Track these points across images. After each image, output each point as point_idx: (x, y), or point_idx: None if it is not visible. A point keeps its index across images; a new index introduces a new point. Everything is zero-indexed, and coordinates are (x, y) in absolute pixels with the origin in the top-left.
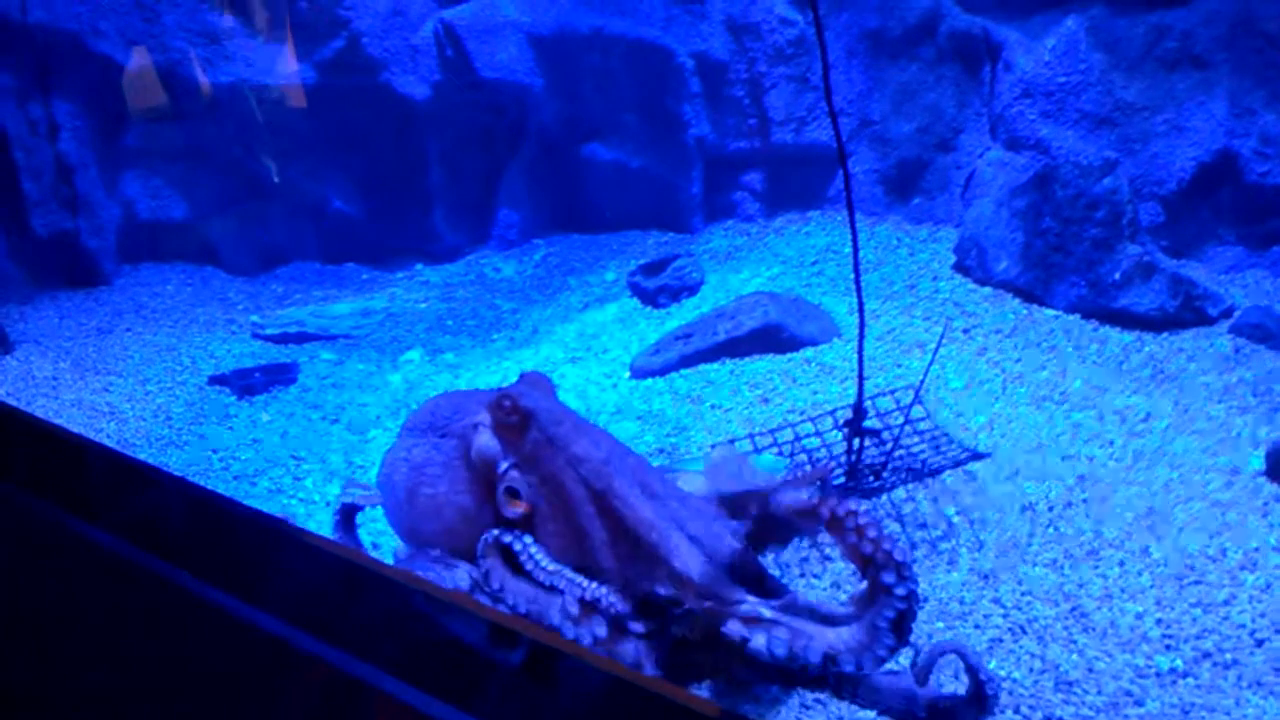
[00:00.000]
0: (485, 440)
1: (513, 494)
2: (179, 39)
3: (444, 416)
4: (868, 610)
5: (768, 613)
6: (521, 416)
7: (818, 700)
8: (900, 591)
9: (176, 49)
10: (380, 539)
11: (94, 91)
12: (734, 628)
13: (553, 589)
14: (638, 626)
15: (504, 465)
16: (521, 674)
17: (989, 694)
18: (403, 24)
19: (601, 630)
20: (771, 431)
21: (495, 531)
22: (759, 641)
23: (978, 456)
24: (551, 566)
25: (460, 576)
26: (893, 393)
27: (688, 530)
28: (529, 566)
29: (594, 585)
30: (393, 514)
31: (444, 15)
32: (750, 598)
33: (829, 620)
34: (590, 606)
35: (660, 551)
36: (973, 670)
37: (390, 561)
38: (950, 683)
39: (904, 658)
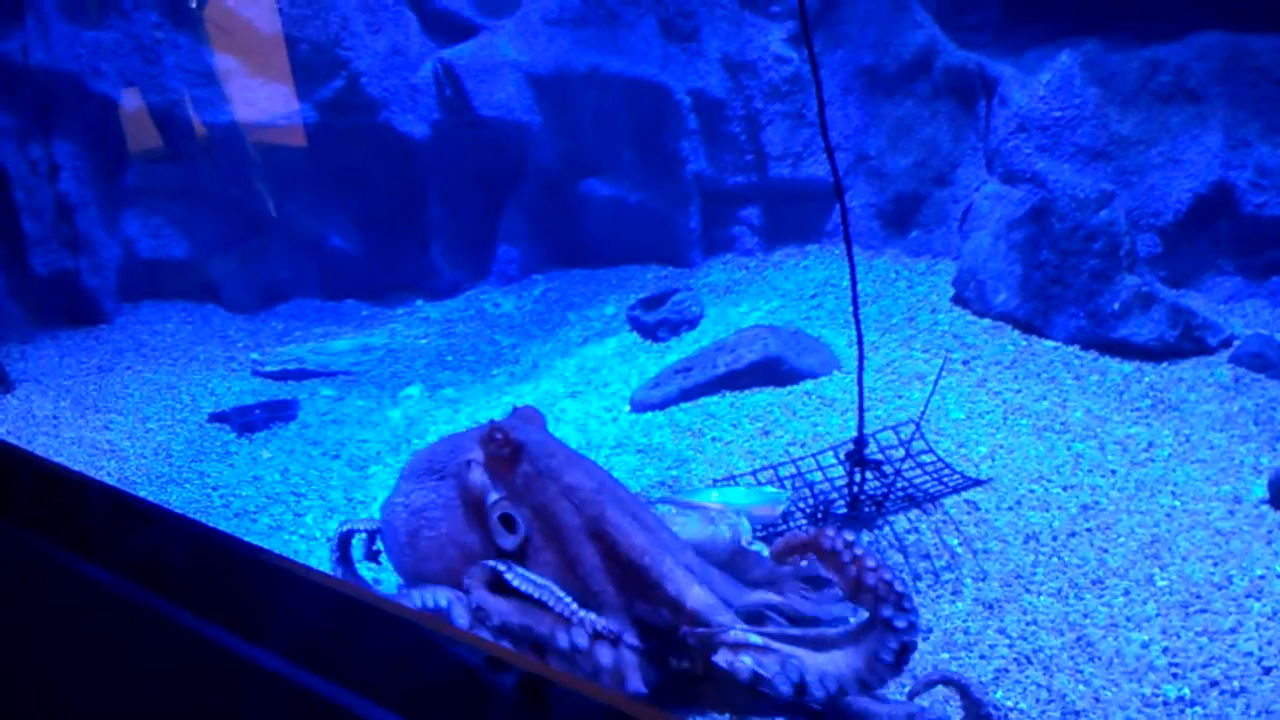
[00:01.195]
0: (476, 475)
1: (508, 521)
2: (178, 80)
3: (441, 459)
4: (866, 638)
5: (758, 639)
6: (513, 449)
7: None
8: (901, 624)
9: (176, 90)
10: (380, 574)
11: (94, 131)
12: (725, 656)
13: (541, 604)
14: (631, 640)
15: (494, 497)
16: (519, 707)
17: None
18: (402, 64)
19: (583, 639)
20: (774, 466)
21: (481, 563)
22: (749, 667)
23: (978, 483)
24: (540, 580)
25: (459, 613)
26: (895, 428)
27: (680, 559)
28: (516, 583)
29: (586, 613)
30: (395, 557)
31: (443, 55)
32: (742, 624)
33: (824, 646)
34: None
35: (652, 576)
36: (975, 703)
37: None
38: (956, 714)
39: (895, 688)
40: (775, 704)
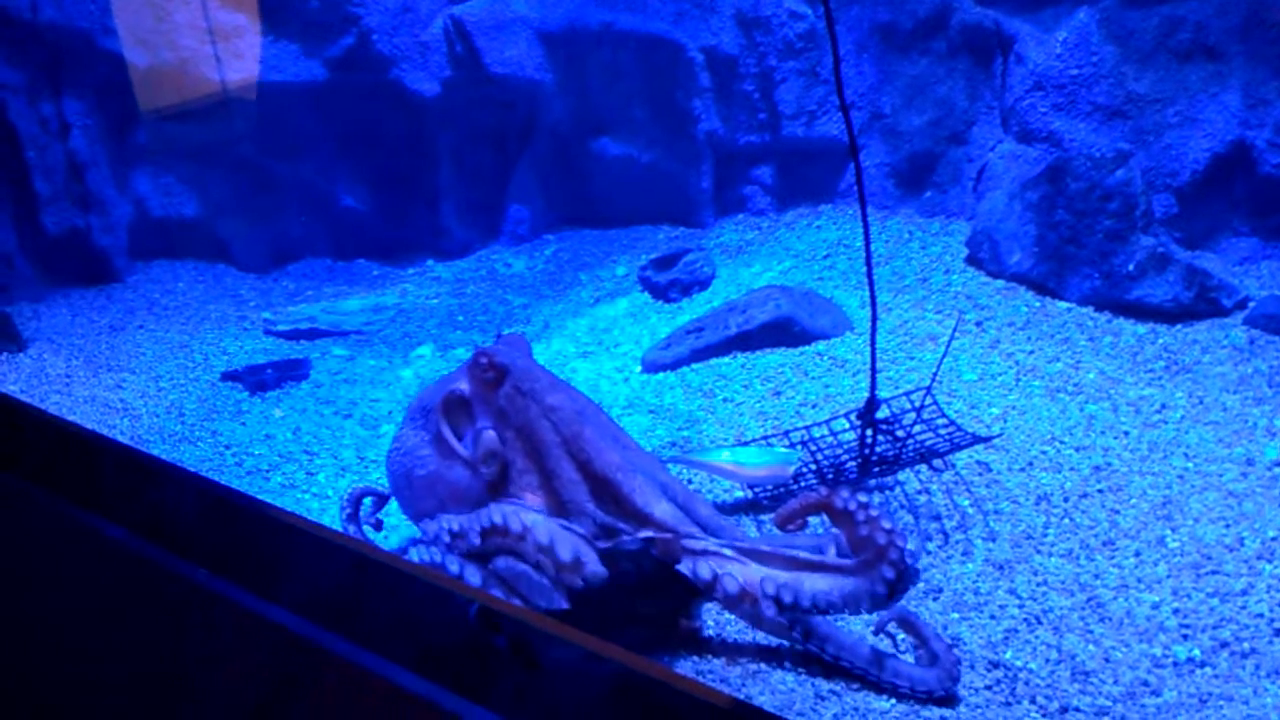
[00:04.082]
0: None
1: (493, 457)
2: (189, 37)
3: (429, 395)
4: (844, 576)
5: (729, 552)
6: (498, 372)
7: (832, 691)
8: (882, 590)
9: (187, 47)
10: (392, 535)
11: (105, 89)
12: (686, 563)
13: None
14: (601, 543)
15: (479, 425)
16: (529, 664)
17: (938, 652)
18: (412, 20)
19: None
20: (786, 433)
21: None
22: (712, 570)
23: (988, 439)
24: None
25: (453, 565)
26: (908, 394)
27: (656, 478)
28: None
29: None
30: (401, 502)
31: (453, 11)
32: (711, 539)
33: (793, 567)
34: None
35: (624, 491)
36: (924, 639)
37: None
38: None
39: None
40: (784, 658)
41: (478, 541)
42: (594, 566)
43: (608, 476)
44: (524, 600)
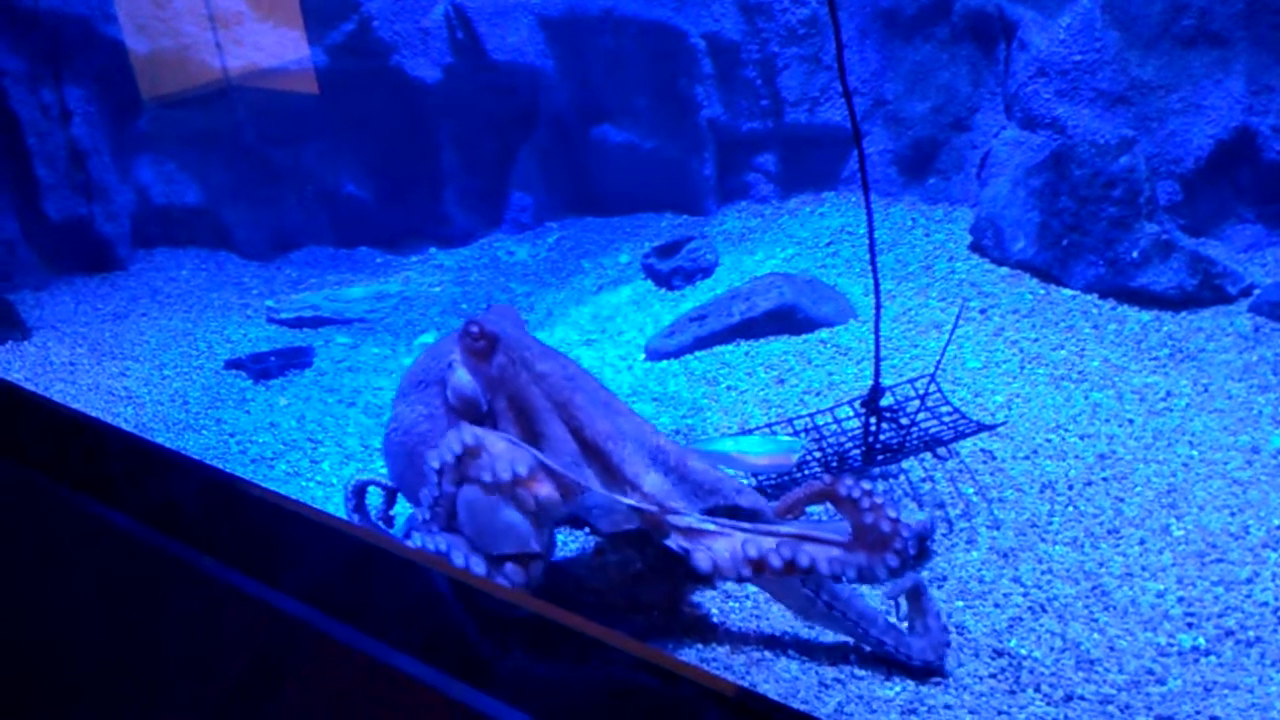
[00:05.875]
0: (458, 376)
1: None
2: (190, 23)
3: (422, 368)
4: (841, 551)
5: (712, 526)
6: (488, 340)
7: (837, 679)
8: (883, 573)
9: (187, 34)
10: (397, 522)
11: (105, 76)
12: (676, 540)
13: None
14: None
15: (485, 403)
16: (532, 650)
17: (931, 627)
18: (413, 6)
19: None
20: (790, 421)
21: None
22: (709, 556)
23: (992, 427)
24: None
25: (458, 556)
26: (912, 381)
27: (646, 443)
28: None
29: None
30: (401, 484)
31: None
32: (696, 516)
33: (793, 538)
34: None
35: (613, 460)
36: (923, 610)
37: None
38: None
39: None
40: (788, 646)
41: (437, 492)
42: (529, 460)
43: (598, 445)
44: (497, 553)
